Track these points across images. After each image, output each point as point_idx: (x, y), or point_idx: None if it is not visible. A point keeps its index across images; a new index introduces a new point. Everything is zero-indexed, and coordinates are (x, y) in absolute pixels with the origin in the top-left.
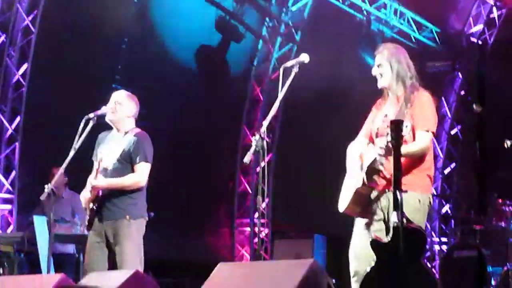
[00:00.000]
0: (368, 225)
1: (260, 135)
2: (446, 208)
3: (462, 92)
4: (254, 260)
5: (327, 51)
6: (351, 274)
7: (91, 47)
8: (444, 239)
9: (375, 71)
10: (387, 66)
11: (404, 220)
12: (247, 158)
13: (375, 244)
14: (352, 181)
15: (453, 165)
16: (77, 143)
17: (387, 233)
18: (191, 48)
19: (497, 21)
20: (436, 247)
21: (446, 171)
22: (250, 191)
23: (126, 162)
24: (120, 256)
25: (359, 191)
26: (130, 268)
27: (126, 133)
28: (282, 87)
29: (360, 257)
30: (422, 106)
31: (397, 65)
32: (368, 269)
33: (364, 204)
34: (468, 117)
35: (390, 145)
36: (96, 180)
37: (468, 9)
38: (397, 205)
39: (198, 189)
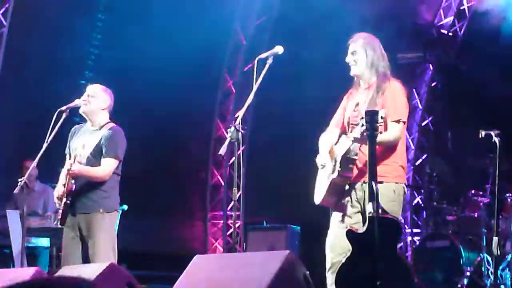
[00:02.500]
0: (344, 217)
1: (235, 127)
2: (417, 199)
3: (433, 84)
4: (227, 252)
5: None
6: (327, 266)
7: (63, 40)
8: (416, 230)
9: (349, 59)
10: (362, 53)
11: (380, 211)
12: (222, 150)
13: (350, 235)
14: (326, 172)
15: (424, 156)
16: (49, 136)
17: (364, 224)
18: (164, 39)
19: (467, 12)
20: (409, 238)
21: (418, 162)
22: (222, 184)
23: (99, 157)
24: (93, 249)
25: (334, 181)
26: (103, 261)
27: (101, 127)
28: (256, 79)
29: (336, 249)
30: (393, 96)
31: (372, 53)
32: (343, 260)
33: (339, 194)
34: (438, 108)
35: (364, 134)
36: (73, 166)
37: (438, 0)
38: (372, 196)
39: (171, 182)
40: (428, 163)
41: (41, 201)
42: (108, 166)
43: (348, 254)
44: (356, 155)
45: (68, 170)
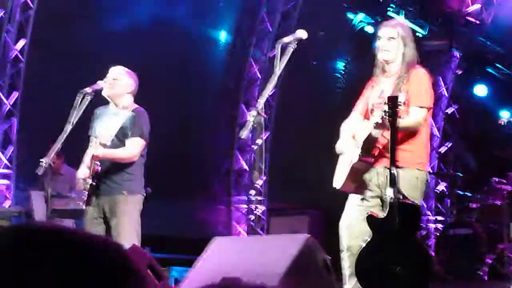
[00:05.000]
0: (363, 201)
1: (257, 111)
2: (442, 187)
3: (459, 72)
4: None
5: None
6: (343, 248)
7: (90, 23)
8: (440, 218)
9: (382, 43)
10: (401, 42)
11: (400, 196)
12: (244, 134)
13: (371, 220)
14: (348, 157)
15: (449, 144)
16: (73, 118)
17: (383, 209)
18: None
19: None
20: (432, 226)
21: (442, 150)
22: (247, 169)
23: (123, 138)
24: (117, 230)
25: (355, 166)
26: (127, 243)
27: (124, 108)
28: (279, 63)
29: (354, 232)
30: (418, 82)
31: (410, 44)
32: (364, 244)
33: (360, 180)
34: (465, 97)
35: (385, 120)
36: (97, 150)
37: None
38: (393, 181)
39: (196, 167)
40: (453, 151)
41: (67, 184)
42: (134, 147)
43: (368, 239)
44: (377, 140)
45: (93, 154)
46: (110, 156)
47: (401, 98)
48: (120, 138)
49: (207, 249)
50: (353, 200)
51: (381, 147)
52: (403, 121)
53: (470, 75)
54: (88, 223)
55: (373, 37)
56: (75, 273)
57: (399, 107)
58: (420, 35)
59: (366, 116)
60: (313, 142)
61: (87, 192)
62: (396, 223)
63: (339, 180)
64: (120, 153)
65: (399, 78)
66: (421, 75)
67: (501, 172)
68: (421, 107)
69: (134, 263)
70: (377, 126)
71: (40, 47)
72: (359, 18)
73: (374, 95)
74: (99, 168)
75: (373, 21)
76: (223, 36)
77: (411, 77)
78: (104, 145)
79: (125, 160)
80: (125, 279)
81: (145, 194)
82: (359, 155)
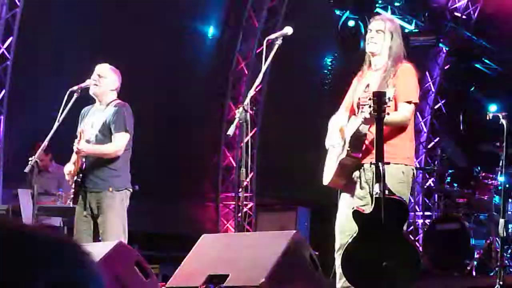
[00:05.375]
0: (354, 198)
1: (244, 108)
2: (429, 182)
3: (446, 67)
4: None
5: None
6: (336, 247)
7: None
8: (427, 213)
9: (371, 35)
10: (388, 36)
11: (387, 192)
12: (230, 130)
13: (357, 215)
14: (335, 153)
15: (436, 139)
16: (61, 116)
17: (371, 205)
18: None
19: None
20: (420, 221)
21: (430, 145)
22: (234, 165)
23: (108, 133)
24: (104, 227)
25: (343, 162)
26: (113, 239)
27: (107, 105)
28: (265, 59)
29: (345, 230)
30: (404, 77)
31: (397, 39)
32: (350, 240)
33: (348, 175)
34: (451, 91)
35: (372, 115)
36: (80, 144)
37: None
38: (379, 177)
39: (183, 163)
40: (440, 146)
41: (56, 182)
42: (119, 141)
43: (354, 235)
44: (365, 135)
45: (77, 148)
46: (94, 152)
47: (390, 94)
48: (104, 133)
49: (195, 246)
50: (344, 199)
51: (368, 142)
52: (391, 117)
53: (457, 70)
54: (76, 221)
55: (355, 30)
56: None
57: (388, 102)
58: (407, 30)
59: (352, 110)
60: (301, 138)
61: (73, 190)
62: (383, 218)
63: (327, 176)
64: (104, 148)
65: (385, 72)
66: (408, 70)
67: (488, 167)
68: (409, 102)
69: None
70: (365, 121)
71: (27, 45)
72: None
73: (360, 89)
74: (84, 165)
75: (357, 16)
76: (211, 31)
77: (398, 72)
78: (88, 141)
79: (111, 155)
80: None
81: (131, 190)
82: (347, 150)
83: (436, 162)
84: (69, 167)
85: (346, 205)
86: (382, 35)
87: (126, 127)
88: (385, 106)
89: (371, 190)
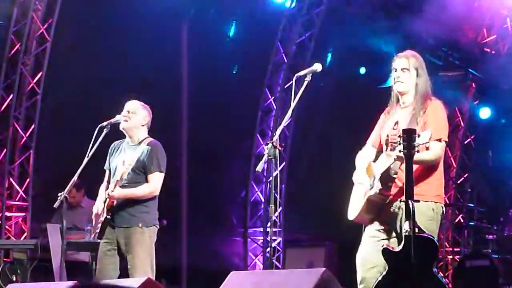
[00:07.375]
0: (379, 233)
1: (273, 144)
2: (459, 218)
3: (476, 102)
4: (267, 269)
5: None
6: (358, 280)
7: (105, 55)
8: (457, 249)
9: (398, 75)
10: (413, 72)
11: (416, 229)
12: (259, 167)
13: (387, 253)
14: (362, 189)
15: (466, 174)
16: (90, 151)
17: (399, 242)
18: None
19: (510, 31)
20: (449, 257)
21: (459, 180)
22: (262, 200)
23: (140, 172)
24: (132, 263)
25: (372, 199)
26: (142, 276)
27: (139, 142)
28: (295, 96)
29: (366, 263)
30: (435, 114)
31: (423, 75)
32: (380, 278)
33: (376, 212)
34: (481, 127)
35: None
36: (113, 192)
37: (482, 18)
38: (409, 214)
39: (211, 198)
40: (469, 181)
41: (87, 216)
42: (155, 182)
43: (384, 272)
44: (396, 173)
45: (108, 194)
46: (130, 196)
47: (428, 135)
48: (137, 172)
49: (224, 283)
50: (368, 231)
51: (399, 180)
52: (423, 155)
53: (486, 106)
54: (100, 255)
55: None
56: None
57: (426, 144)
58: (437, 65)
59: (380, 146)
60: (327, 172)
61: (100, 225)
62: (413, 257)
63: (353, 211)
64: (140, 192)
65: (414, 109)
66: (438, 107)
67: None
68: (439, 140)
69: None
70: (398, 159)
71: (56, 80)
72: None
73: (388, 125)
74: (115, 202)
75: None
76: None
77: (428, 109)
78: (121, 179)
79: (147, 196)
80: None
81: (158, 227)
82: (379, 188)
83: (465, 198)
84: (98, 204)
85: (368, 238)
86: (408, 73)
87: (161, 167)
88: (423, 145)
89: (398, 226)
